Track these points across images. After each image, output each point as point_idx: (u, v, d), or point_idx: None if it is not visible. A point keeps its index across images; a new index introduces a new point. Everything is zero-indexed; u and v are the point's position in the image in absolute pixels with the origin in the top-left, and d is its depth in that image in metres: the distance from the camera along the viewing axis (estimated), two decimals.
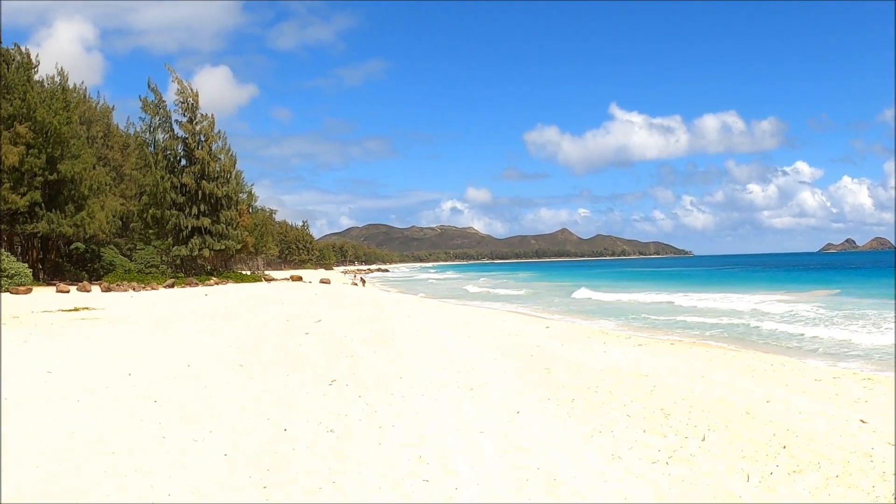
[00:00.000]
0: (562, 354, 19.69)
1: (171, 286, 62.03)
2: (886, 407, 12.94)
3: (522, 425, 11.11)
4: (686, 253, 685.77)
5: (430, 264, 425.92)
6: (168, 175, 74.28)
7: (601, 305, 47.49)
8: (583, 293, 61.48)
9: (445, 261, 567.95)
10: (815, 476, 8.58)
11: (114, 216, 69.50)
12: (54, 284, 56.79)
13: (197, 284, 66.28)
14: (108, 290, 54.40)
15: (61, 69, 69.77)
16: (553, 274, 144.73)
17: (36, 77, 65.86)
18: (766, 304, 41.78)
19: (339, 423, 11.20)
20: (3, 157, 57.48)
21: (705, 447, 9.88)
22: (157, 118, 76.64)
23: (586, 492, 8.10)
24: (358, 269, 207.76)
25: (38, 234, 62.94)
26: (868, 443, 10.19)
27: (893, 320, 26.57)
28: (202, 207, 76.19)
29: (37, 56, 66.70)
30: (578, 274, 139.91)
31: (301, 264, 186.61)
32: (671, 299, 49.13)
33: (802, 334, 27.38)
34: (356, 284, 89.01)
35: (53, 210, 62.18)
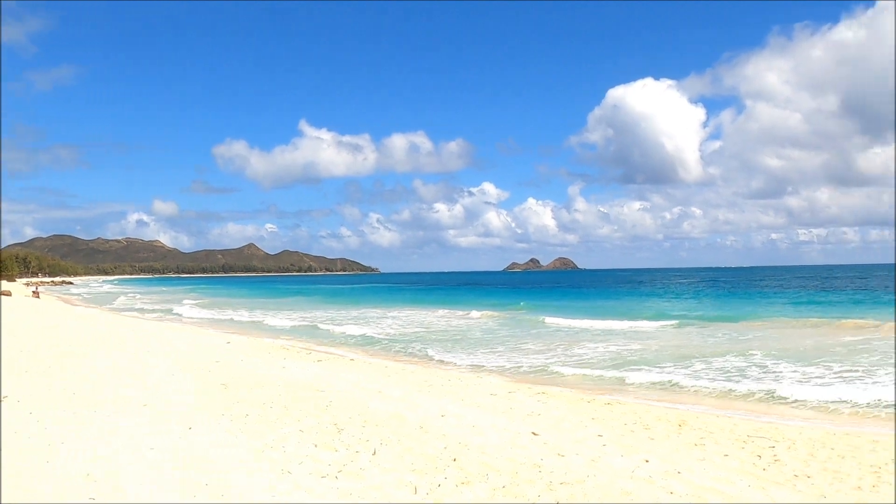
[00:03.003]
0: (241, 369, 19.53)
1: None
2: (558, 419, 13.62)
3: (194, 441, 10.84)
4: (373, 270, 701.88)
5: (114, 277, 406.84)
6: None
7: None
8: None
9: (131, 274, 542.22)
10: (482, 487, 8.75)
11: None
12: None
13: None
14: None
15: None
16: (209, 289, 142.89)
17: None
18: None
19: (7, 441, 10.41)
20: None
21: (376, 461, 9.87)
22: None
23: None
24: (41, 281, 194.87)
25: None
26: (538, 454, 10.59)
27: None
28: None
29: None
30: (232, 290, 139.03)
31: None
32: (262, 318, 50.79)
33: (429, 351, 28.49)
34: (36, 296, 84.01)
35: None
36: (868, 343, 29.61)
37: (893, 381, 18.92)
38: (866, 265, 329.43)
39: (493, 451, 10.64)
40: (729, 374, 22.14)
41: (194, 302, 78.28)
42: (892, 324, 35.87)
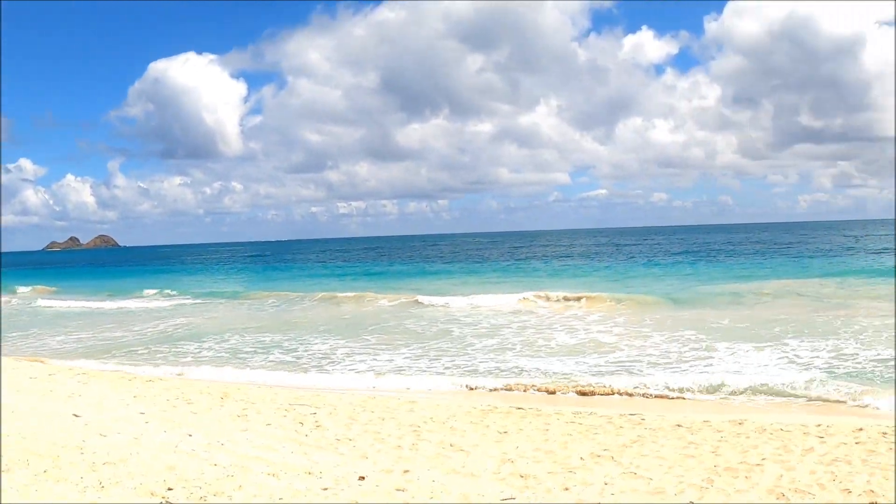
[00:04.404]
0: None
1: None
2: (100, 399, 13.57)
3: None
4: None
5: None
6: None
7: None
8: None
9: None
10: (23, 473, 8.58)
11: None
12: None
13: None
14: None
15: None
16: None
17: None
18: None
19: None
20: None
21: None
22: None
23: None
24: None
25: None
26: (80, 435, 10.50)
27: None
28: None
29: None
30: None
31: None
32: None
33: None
34: None
35: None
36: (407, 312, 32.07)
37: None
38: (404, 236, 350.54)
39: (34, 436, 10.44)
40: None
41: None
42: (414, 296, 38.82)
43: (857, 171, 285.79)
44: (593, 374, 18.32)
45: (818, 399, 15.42)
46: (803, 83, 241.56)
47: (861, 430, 11.93)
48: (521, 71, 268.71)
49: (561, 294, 36.32)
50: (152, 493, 8.09)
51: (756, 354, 19.79)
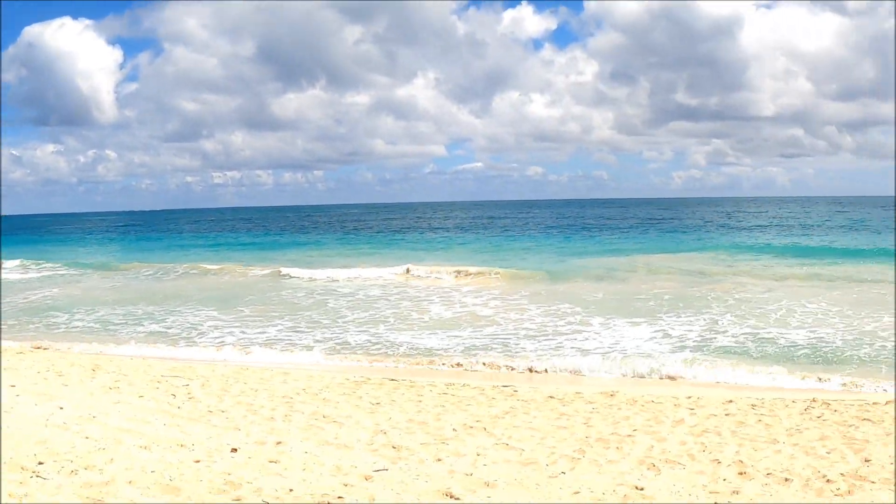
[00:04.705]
0: None
1: None
2: None
3: None
4: None
5: None
6: None
7: None
8: None
9: None
10: None
11: None
12: None
13: None
14: None
15: None
16: None
17: None
18: None
19: None
20: None
21: None
22: None
23: None
24: None
25: None
26: None
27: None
28: None
29: None
30: None
31: None
32: None
33: None
34: None
35: None
36: (280, 283, 31.95)
37: None
38: (280, 207, 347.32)
39: None
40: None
41: None
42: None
43: (732, 149, 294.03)
44: (468, 349, 18.54)
45: (690, 372, 15.90)
46: (680, 62, 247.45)
47: (731, 402, 12.44)
48: (399, 43, 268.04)
49: (436, 267, 36.55)
50: (23, 468, 7.86)
51: (631, 328, 20.31)
